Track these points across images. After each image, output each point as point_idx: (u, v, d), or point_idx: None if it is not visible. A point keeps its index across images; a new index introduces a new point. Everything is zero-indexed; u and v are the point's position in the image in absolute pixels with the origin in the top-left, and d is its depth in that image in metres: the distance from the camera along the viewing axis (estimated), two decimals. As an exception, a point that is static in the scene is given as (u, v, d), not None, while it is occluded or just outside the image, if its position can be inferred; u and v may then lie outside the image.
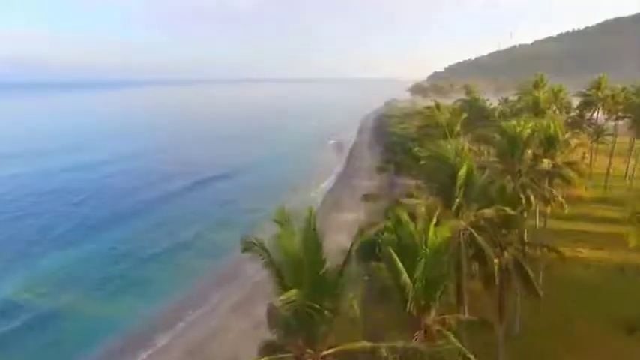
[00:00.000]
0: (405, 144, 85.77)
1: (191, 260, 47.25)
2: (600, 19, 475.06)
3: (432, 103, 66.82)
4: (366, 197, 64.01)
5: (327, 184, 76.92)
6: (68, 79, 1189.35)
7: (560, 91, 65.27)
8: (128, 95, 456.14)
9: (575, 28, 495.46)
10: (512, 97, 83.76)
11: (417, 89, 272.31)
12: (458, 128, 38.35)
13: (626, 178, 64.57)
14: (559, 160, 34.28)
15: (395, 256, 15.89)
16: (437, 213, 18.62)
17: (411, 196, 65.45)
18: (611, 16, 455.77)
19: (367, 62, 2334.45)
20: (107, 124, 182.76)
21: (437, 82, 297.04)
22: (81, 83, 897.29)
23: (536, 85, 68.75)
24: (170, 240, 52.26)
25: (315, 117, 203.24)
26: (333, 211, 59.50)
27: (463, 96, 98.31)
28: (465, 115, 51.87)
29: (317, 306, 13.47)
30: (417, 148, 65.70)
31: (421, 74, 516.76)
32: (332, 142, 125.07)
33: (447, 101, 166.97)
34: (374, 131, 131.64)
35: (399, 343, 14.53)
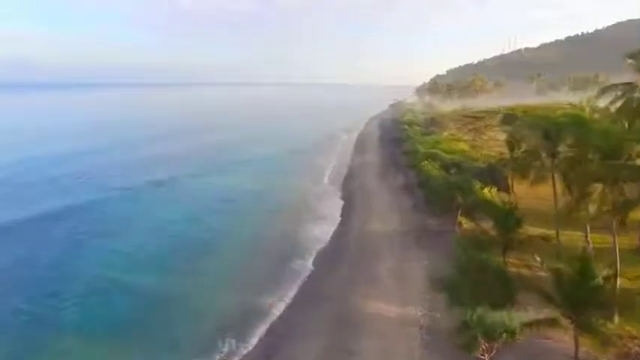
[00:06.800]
0: (470, 187, 39.33)
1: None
2: (612, 22, 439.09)
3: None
4: None
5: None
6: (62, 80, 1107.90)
7: None
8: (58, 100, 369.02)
9: (585, 31, 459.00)
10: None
11: (431, 89, 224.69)
12: None
13: None
14: None
15: None
16: None
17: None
18: (623, 18, 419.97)
19: (366, 66, 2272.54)
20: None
21: (460, 79, 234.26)
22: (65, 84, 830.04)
23: None
24: None
25: (303, 123, 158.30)
26: None
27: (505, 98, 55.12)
28: None
29: None
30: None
31: (422, 77, 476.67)
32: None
33: (486, 103, 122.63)
34: (383, 145, 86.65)
35: None
